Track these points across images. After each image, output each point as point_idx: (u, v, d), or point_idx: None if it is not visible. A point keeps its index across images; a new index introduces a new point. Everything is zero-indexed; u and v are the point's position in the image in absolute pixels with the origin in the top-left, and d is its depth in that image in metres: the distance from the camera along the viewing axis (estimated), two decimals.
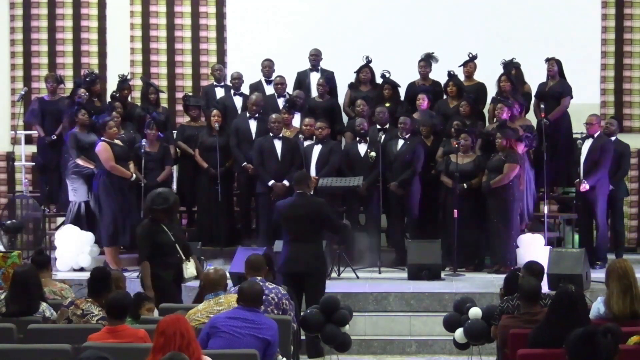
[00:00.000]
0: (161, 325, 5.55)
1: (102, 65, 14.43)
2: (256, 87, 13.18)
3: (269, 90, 13.12)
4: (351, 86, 13.18)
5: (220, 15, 14.53)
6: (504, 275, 8.58)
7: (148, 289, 8.55)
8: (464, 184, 11.63)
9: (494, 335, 7.80)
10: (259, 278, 7.69)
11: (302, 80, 13.37)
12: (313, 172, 11.92)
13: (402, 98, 12.97)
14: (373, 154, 11.84)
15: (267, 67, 13.27)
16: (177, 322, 5.55)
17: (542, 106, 12.41)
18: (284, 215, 9.39)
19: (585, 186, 11.81)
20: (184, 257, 8.82)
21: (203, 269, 8.96)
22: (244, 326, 6.56)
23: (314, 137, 12.18)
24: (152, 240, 8.76)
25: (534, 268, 7.90)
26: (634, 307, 7.06)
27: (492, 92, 12.78)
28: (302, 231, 9.24)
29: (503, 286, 8.18)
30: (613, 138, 12.33)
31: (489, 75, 12.80)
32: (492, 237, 11.60)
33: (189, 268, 8.82)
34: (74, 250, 11.98)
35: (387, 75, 12.78)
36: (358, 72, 13.09)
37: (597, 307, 7.20)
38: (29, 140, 14.02)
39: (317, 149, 12.11)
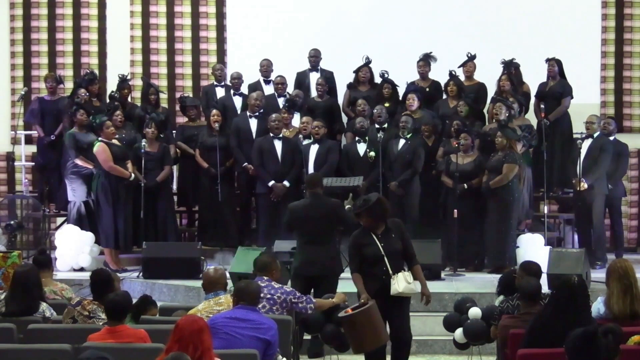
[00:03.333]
0: (177, 333, 5.46)
1: (102, 65, 14.44)
2: (254, 87, 13.18)
3: (267, 90, 13.12)
4: (350, 86, 13.19)
5: (220, 15, 14.54)
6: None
7: (361, 295, 8.00)
8: (465, 184, 11.63)
9: (494, 336, 7.80)
10: (265, 278, 7.70)
11: (301, 81, 13.38)
12: (311, 172, 11.91)
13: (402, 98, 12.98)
14: (372, 153, 11.84)
15: (266, 66, 13.28)
16: (192, 333, 5.43)
17: (542, 106, 12.42)
18: (299, 217, 9.25)
19: (584, 185, 11.81)
20: (391, 272, 8.00)
21: (203, 269, 8.85)
22: (244, 326, 6.56)
23: (312, 136, 12.18)
24: (360, 251, 8.11)
25: (530, 268, 7.89)
26: (634, 307, 7.06)
27: (492, 92, 12.79)
28: (317, 233, 9.13)
29: (498, 286, 8.20)
30: (611, 138, 12.34)
31: (489, 75, 12.81)
32: (492, 237, 11.60)
33: (395, 284, 8.01)
34: (74, 250, 11.98)
35: (386, 74, 12.79)
36: (357, 71, 13.09)
37: (597, 307, 7.20)
38: (29, 140, 14.03)
39: (314, 148, 12.10)
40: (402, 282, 8.00)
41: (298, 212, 9.28)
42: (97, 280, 7.36)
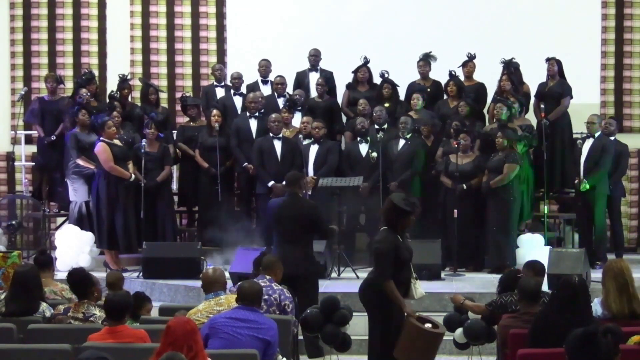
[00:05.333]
0: (170, 335, 5.46)
1: (102, 65, 14.44)
2: (252, 87, 13.18)
3: (265, 90, 13.12)
4: (349, 86, 13.19)
5: (220, 15, 14.54)
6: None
7: (403, 305, 7.61)
8: (464, 185, 11.63)
9: (481, 311, 7.85)
10: (267, 277, 7.70)
11: (301, 80, 13.38)
12: (310, 172, 11.94)
13: (402, 98, 12.97)
14: (374, 154, 11.84)
15: (264, 67, 13.28)
16: (186, 334, 5.45)
17: (542, 106, 12.42)
18: (275, 216, 9.29)
19: (585, 186, 11.82)
20: (414, 275, 7.83)
21: (203, 269, 8.87)
22: (244, 327, 6.56)
23: (311, 136, 12.18)
24: (396, 254, 7.66)
25: (535, 266, 7.91)
26: (632, 306, 7.07)
27: (492, 92, 12.79)
28: (292, 232, 9.12)
29: (498, 286, 8.20)
30: (612, 138, 12.33)
31: (489, 75, 12.81)
32: (492, 237, 11.60)
33: (418, 287, 7.82)
34: (74, 250, 11.97)
35: (386, 74, 12.79)
36: (355, 71, 13.10)
37: (595, 309, 7.20)
38: (29, 140, 14.03)
39: (314, 148, 12.11)
40: (419, 285, 7.85)
41: (274, 210, 9.28)
42: (76, 281, 7.40)
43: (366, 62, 13.04)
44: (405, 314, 7.60)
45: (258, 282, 7.62)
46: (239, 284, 7.08)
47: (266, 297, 7.58)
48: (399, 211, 7.68)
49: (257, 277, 7.77)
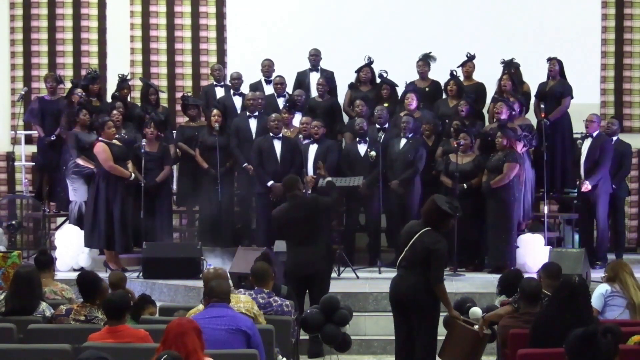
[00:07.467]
0: (164, 335, 5.48)
1: (102, 65, 14.44)
2: (256, 87, 13.19)
3: (269, 90, 13.12)
4: (351, 86, 13.19)
5: (220, 15, 14.54)
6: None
7: (451, 308, 7.86)
8: (464, 184, 11.63)
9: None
10: (266, 291, 7.64)
11: (301, 80, 13.38)
12: (310, 172, 11.94)
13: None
14: (373, 153, 11.82)
15: (267, 66, 13.28)
16: (175, 336, 5.43)
17: (542, 106, 12.42)
18: (283, 222, 9.36)
19: (587, 186, 11.82)
20: None
21: (203, 269, 8.84)
22: (220, 322, 6.48)
23: (311, 136, 12.18)
24: None
25: (551, 269, 7.92)
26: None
27: (491, 91, 12.79)
28: (304, 233, 9.21)
29: (498, 286, 8.21)
30: (614, 138, 12.34)
31: (488, 75, 12.81)
32: (491, 237, 11.60)
33: None
34: (74, 250, 11.98)
35: (385, 75, 12.79)
36: (359, 71, 13.09)
37: (604, 288, 7.78)
38: (29, 140, 14.04)
39: (313, 148, 12.10)
40: None
41: (281, 218, 9.39)
42: (84, 282, 7.37)
43: (370, 62, 13.03)
44: (451, 316, 7.77)
45: (257, 296, 7.54)
46: (208, 284, 6.89)
47: (230, 293, 7.56)
48: (441, 213, 7.81)
49: (254, 290, 7.69)
